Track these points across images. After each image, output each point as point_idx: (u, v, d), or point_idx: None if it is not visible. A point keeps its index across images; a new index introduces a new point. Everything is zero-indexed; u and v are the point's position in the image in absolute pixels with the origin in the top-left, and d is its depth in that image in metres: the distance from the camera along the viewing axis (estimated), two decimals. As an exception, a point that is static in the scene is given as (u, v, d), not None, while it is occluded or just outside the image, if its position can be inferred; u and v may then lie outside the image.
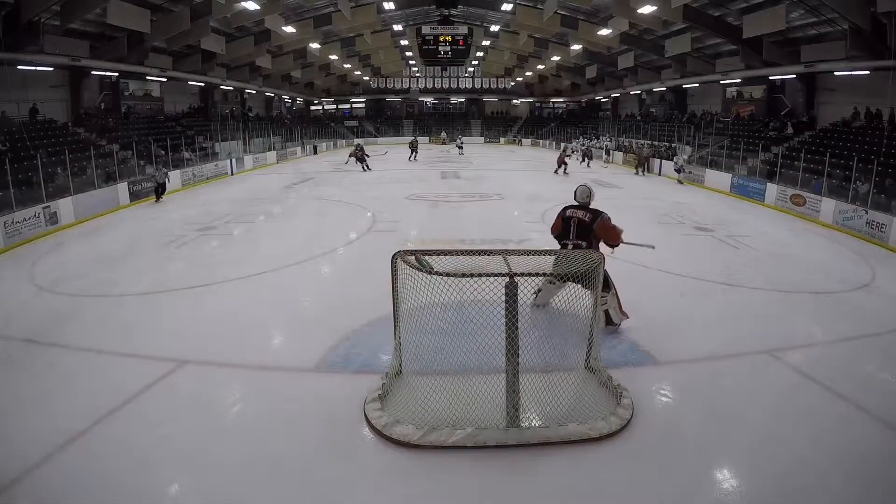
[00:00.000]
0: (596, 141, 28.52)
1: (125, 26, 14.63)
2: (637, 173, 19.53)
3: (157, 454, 3.29)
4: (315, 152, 30.52)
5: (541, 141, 36.17)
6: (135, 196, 13.21)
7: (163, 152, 16.42)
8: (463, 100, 41.71)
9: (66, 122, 15.70)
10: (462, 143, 30.43)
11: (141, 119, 19.48)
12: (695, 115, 23.33)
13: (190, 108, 23.88)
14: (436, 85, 39.18)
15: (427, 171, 20.10)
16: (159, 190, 13.54)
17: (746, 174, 15.12)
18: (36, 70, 14.37)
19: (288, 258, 7.65)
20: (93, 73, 16.41)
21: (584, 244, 4.79)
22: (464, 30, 24.54)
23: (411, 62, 36.22)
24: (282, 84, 30.37)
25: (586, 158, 22.77)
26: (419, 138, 28.28)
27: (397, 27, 27.17)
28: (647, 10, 15.91)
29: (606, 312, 4.84)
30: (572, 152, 24.59)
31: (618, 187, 15.84)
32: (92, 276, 7.05)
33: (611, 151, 25.59)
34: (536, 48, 27.90)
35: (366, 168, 19.63)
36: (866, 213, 9.81)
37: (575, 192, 5.15)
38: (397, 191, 14.43)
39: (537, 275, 3.58)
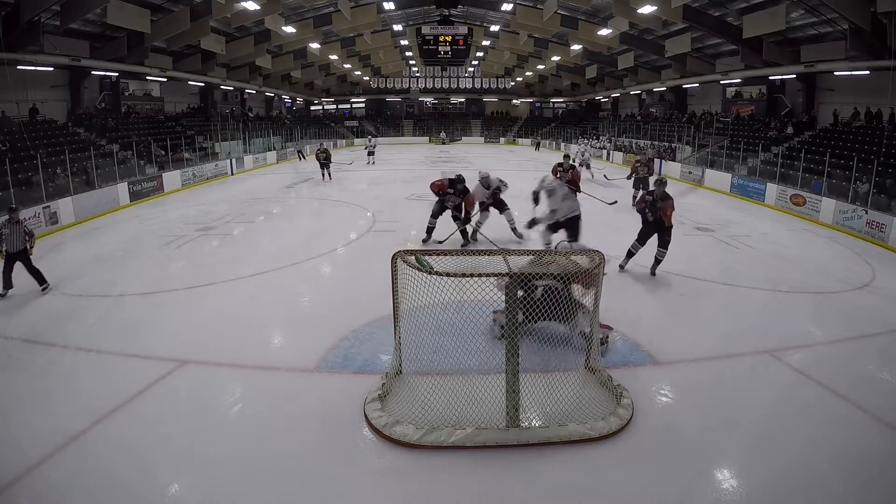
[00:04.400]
0: (596, 141, 28.48)
1: (125, 26, 14.63)
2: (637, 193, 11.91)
3: (157, 454, 3.29)
4: (302, 158, 25.08)
5: (540, 140, 35.93)
6: (135, 196, 13.22)
7: (162, 152, 16.42)
8: (463, 100, 41.69)
9: (66, 122, 15.70)
10: (374, 146, 23.84)
11: (141, 119, 19.48)
12: (695, 115, 23.33)
13: (190, 108, 23.89)
14: (436, 85, 39.15)
15: (427, 171, 20.09)
16: (10, 263, 6.33)
17: (746, 174, 15.12)
18: (36, 70, 14.36)
19: (288, 258, 7.64)
20: (93, 73, 16.40)
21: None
22: (464, 30, 24.49)
23: (411, 62, 36.20)
24: (282, 84, 30.37)
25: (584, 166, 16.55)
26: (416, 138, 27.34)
27: (397, 27, 27.17)
28: (647, 10, 15.91)
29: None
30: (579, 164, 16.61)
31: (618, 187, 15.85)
32: (92, 276, 7.05)
33: (610, 153, 25.59)
34: (536, 48, 27.89)
35: (472, 235, 8.70)
36: (866, 213, 9.81)
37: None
38: (397, 191, 14.42)
39: (537, 274, 3.59)
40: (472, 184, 8.54)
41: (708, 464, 3.26)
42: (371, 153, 23.27)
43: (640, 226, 6.77)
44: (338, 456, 3.30)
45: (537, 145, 34.44)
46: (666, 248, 6.58)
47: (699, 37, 18.55)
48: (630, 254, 6.86)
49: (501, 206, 8.83)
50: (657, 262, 6.72)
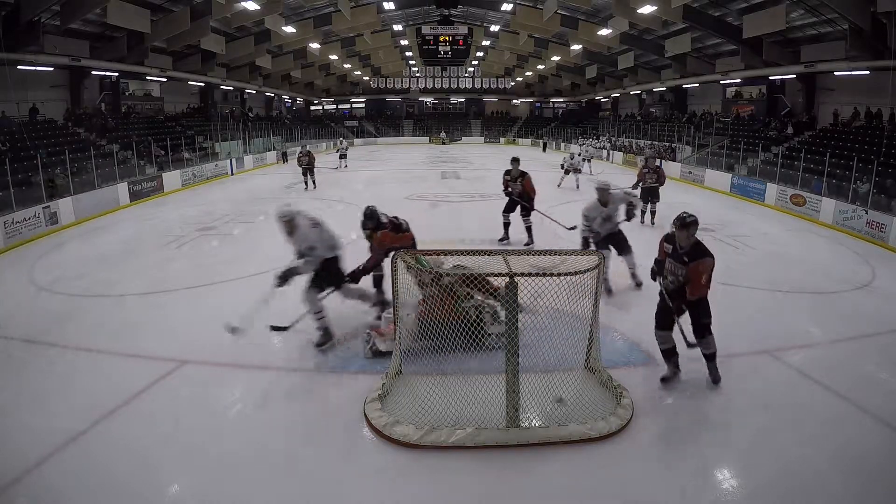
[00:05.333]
0: (596, 141, 28.46)
1: (125, 26, 14.65)
2: (645, 217, 9.86)
3: (156, 454, 3.29)
4: (284, 161, 24.08)
5: (547, 141, 35.59)
6: (135, 196, 13.22)
7: (163, 152, 16.42)
8: (463, 100, 41.72)
9: (66, 122, 15.71)
10: (346, 147, 21.83)
11: (141, 119, 19.49)
12: (695, 115, 23.35)
13: (190, 108, 23.89)
14: (436, 85, 39.19)
15: (427, 171, 20.10)
16: None
17: (746, 174, 15.13)
18: (36, 70, 14.37)
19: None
20: (93, 73, 16.42)
21: None
22: (464, 30, 24.55)
23: (411, 62, 36.22)
24: (282, 84, 30.38)
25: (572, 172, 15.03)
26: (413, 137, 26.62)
27: (397, 27, 27.19)
28: (647, 10, 15.93)
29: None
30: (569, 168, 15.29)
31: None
32: (92, 276, 7.04)
33: (610, 153, 25.59)
34: (536, 48, 27.92)
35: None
36: (866, 213, 9.81)
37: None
38: (397, 191, 14.42)
39: (537, 275, 3.58)
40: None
41: (708, 464, 3.26)
42: (343, 156, 21.17)
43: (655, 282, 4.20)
44: (338, 456, 3.30)
45: (545, 146, 32.84)
46: (708, 331, 3.95)
47: (699, 37, 18.56)
48: (668, 354, 4.12)
49: (621, 245, 6.11)
50: (710, 361, 4.06)
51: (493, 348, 4.26)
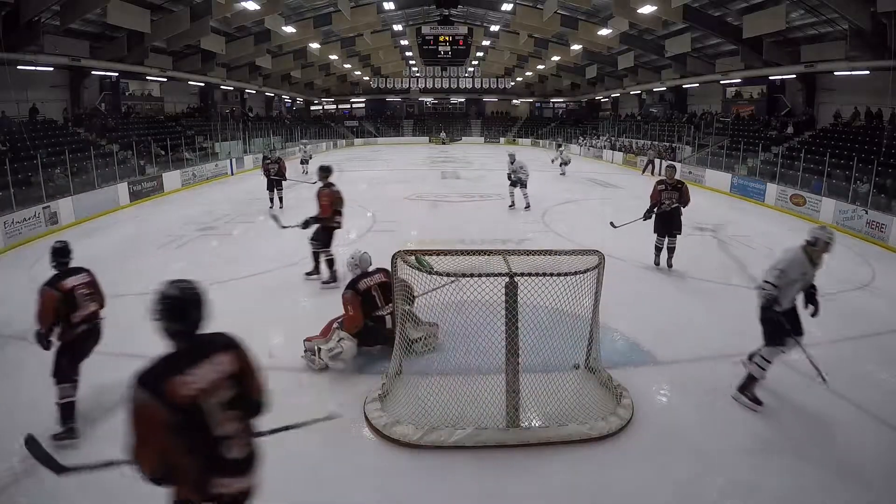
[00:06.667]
0: (597, 140, 28.45)
1: (125, 26, 14.65)
2: (660, 257, 7.27)
3: (157, 454, 3.28)
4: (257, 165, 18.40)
5: (540, 141, 35.85)
6: (135, 196, 13.22)
7: (162, 152, 16.42)
8: (463, 100, 41.73)
9: (66, 122, 15.70)
10: (311, 155, 18.94)
11: (141, 119, 19.49)
12: (695, 115, 23.35)
13: (190, 108, 23.89)
14: (436, 85, 39.17)
15: (427, 171, 20.10)
16: None
17: (746, 174, 15.13)
18: (36, 70, 14.37)
19: (288, 258, 7.63)
20: (93, 73, 16.42)
21: None
22: (464, 30, 24.53)
23: (411, 62, 36.23)
24: (282, 84, 30.38)
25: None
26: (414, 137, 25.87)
27: (397, 27, 27.20)
28: (647, 10, 15.93)
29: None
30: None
31: (616, 186, 15.85)
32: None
33: (606, 153, 25.57)
34: (536, 48, 27.91)
35: None
36: (866, 213, 9.82)
37: None
38: (397, 191, 14.42)
39: (537, 275, 3.58)
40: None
41: (708, 464, 3.26)
42: (305, 162, 18.39)
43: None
44: (338, 456, 3.30)
45: (559, 147, 31.46)
46: None
47: (699, 37, 18.56)
48: None
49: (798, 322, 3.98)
50: None
51: (419, 353, 4.32)
